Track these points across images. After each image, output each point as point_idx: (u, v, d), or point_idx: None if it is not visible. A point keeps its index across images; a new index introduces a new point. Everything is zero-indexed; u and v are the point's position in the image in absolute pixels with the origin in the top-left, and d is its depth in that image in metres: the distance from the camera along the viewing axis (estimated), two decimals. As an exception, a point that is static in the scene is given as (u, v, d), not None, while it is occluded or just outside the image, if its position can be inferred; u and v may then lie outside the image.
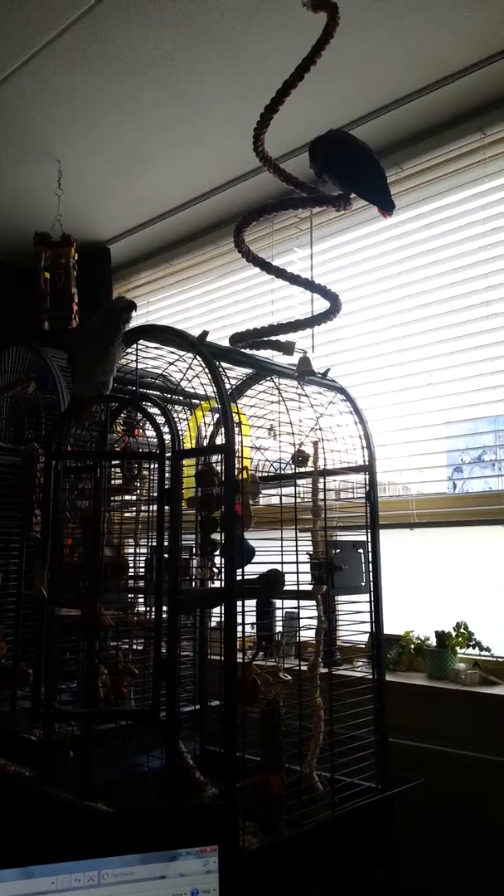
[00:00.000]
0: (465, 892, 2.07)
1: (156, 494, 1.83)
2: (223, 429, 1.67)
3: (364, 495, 2.07)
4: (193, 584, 2.03)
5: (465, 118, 2.56)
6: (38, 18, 2.14)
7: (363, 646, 2.37)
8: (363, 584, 2.00)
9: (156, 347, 1.99)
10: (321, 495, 2.00)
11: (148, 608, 1.98)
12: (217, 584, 1.82)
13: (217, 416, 2.12)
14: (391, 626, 2.25)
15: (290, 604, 1.91)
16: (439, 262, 2.61)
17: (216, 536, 1.78)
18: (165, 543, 1.77)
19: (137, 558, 2.06)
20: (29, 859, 0.80)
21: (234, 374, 2.06)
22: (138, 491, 2.16)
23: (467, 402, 2.49)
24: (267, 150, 1.93)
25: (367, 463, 2.09)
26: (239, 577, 1.65)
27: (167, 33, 2.21)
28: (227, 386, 1.74)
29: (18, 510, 2.48)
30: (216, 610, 1.99)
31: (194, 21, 2.16)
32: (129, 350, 1.97)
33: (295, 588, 1.79)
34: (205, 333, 1.82)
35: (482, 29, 2.20)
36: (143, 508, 2.17)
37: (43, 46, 2.27)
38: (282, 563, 1.75)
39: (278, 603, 2.03)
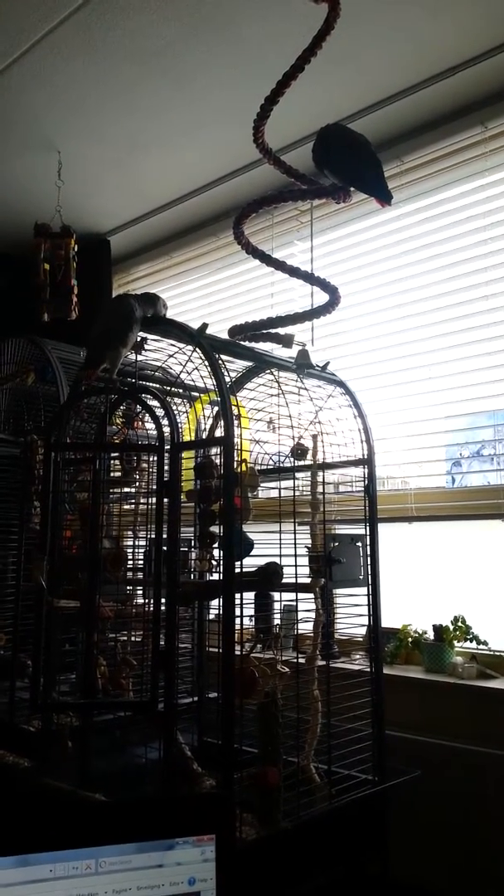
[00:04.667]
0: (461, 884, 2.08)
1: (155, 487, 1.83)
2: (222, 421, 1.67)
3: (363, 489, 2.08)
4: (192, 576, 2.04)
5: (466, 111, 2.55)
6: (38, 8, 2.13)
7: (361, 639, 2.37)
8: (361, 577, 2.00)
9: (155, 339, 1.99)
10: (320, 488, 2.00)
11: (147, 600, 1.98)
12: (216, 576, 1.82)
13: (216, 408, 2.12)
14: (389, 620, 2.26)
15: (289, 596, 1.91)
16: (440, 256, 2.60)
17: (215, 529, 1.79)
18: (164, 535, 1.77)
19: (136, 550, 2.06)
20: (26, 847, 0.80)
21: (234, 366, 2.06)
22: (137, 483, 2.16)
23: (467, 396, 2.49)
24: (267, 142, 1.93)
25: (366, 456, 2.09)
26: (237, 570, 1.65)
27: (167, 23, 2.20)
28: (227, 378, 1.74)
29: (18, 502, 2.49)
30: (215, 602, 1.99)
31: (195, 11, 2.14)
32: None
33: (293, 581, 1.79)
34: (204, 326, 1.82)
35: (484, 21, 2.19)
36: (142, 500, 2.17)
37: (43, 36, 2.25)
38: (280, 555, 1.75)
39: (276, 596, 2.03)
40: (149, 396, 1.91)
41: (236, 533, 1.68)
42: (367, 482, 2.07)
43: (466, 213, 2.56)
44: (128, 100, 2.58)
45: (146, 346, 1.97)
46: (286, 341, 1.98)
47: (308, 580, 1.87)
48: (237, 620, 1.61)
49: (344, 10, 1.72)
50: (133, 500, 2.24)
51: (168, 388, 2.11)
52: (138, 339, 1.91)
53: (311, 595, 1.90)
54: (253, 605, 1.94)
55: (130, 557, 1.99)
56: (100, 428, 2.04)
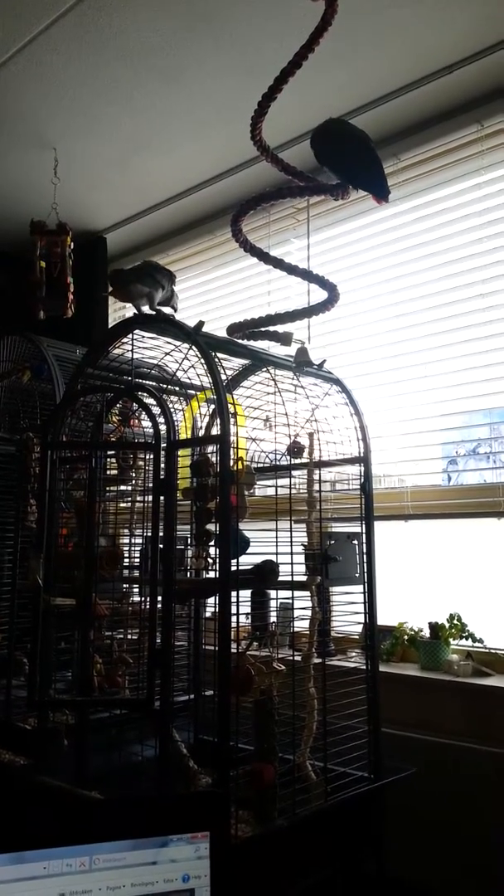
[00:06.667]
0: (457, 881, 2.08)
1: (151, 485, 1.83)
2: (219, 419, 1.67)
3: (359, 487, 2.08)
4: (188, 574, 2.04)
5: (462, 109, 2.55)
6: (34, 5, 2.13)
7: (357, 636, 2.38)
8: (357, 575, 2.01)
9: (152, 337, 1.98)
10: (316, 486, 2.00)
11: (143, 598, 1.98)
12: (212, 574, 1.82)
13: (213, 406, 2.12)
14: (385, 617, 2.26)
15: (285, 594, 1.91)
16: (436, 254, 2.60)
17: (211, 527, 1.78)
18: (160, 533, 1.77)
19: (132, 548, 2.06)
20: (21, 844, 0.80)
21: (230, 364, 2.06)
22: (134, 481, 2.16)
23: (462, 394, 2.49)
24: (264, 139, 1.92)
25: (362, 454, 2.09)
26: (234, 568, 1.65)
27: (164, 20, 2.19)
28: (223, 376, 1.73)
29: (13, 500, 2.48)
30: (211, 600, 1.99)
31: (191, 8, 2.14)
32: (125, 340, 1.97)
33: (289, 579, 1.79)
34: (201, 323, 1.82)
35: (480, 20, 2.19)
36: (138, 498, 2.17)
37: (39, 33, 2.25)
38: (276, 553, 1.75)
39: (273, 593, 2.03)
40: (145, 394, 1.91)
41: (232, 531, 1.68)
42: (363, 480, 2.08)
43: (463, 211, 2.56)
44: (124, 97, 2.57)
45: (142, 344, 1.97)
46: (285, 339, 1.98)
47: (304, 578, 1.87)
48: (233, 618, 1.61)
49: (341, 7, 1.72)
50: (129, 498, 2.24)
51: (164, 385, 2.11)
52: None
53: (308, 593, 1.91)
54: (249, 603, 1.95)
55: (127, 555, 1.99)
56: (96, 426, 2.04)
